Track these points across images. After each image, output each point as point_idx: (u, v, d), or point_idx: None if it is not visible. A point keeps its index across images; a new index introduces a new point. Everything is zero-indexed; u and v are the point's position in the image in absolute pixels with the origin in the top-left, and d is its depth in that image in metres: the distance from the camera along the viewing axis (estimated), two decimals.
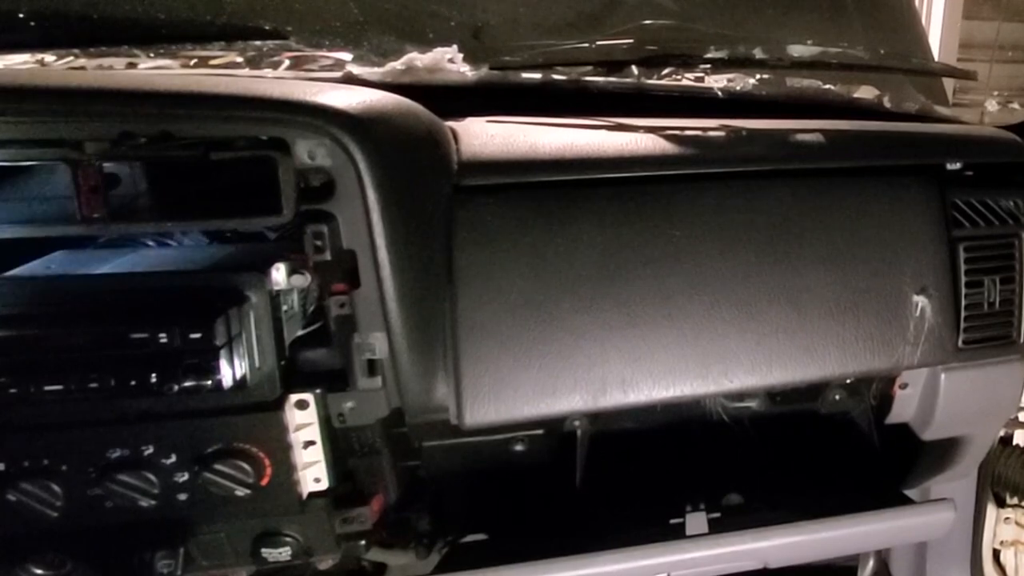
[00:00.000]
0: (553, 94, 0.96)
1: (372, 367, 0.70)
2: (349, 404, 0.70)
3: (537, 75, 0.95)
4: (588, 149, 0.78)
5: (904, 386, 0.94)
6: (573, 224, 0.74)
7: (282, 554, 0.73)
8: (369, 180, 0.65)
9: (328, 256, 0.65)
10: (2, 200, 0.63)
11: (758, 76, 1.03)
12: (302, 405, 0.69)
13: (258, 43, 0.93)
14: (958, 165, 0.90)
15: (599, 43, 0.96)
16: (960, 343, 0.87)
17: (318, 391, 0.69)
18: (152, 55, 0.85)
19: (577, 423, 0.90)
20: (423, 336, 0.70)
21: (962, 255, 0.87)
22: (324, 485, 0.71)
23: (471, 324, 0.72)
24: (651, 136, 0.82)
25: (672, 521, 0.89)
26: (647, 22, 1.13)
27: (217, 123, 0.63)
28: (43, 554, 0.69)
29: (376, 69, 0.91)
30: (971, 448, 1.03)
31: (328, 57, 0.93)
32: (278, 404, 0.68)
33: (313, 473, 0.71)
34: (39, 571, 0.68)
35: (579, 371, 0.74)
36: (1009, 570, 1.41)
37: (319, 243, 0.65)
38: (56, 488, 0.65)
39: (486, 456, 0.88)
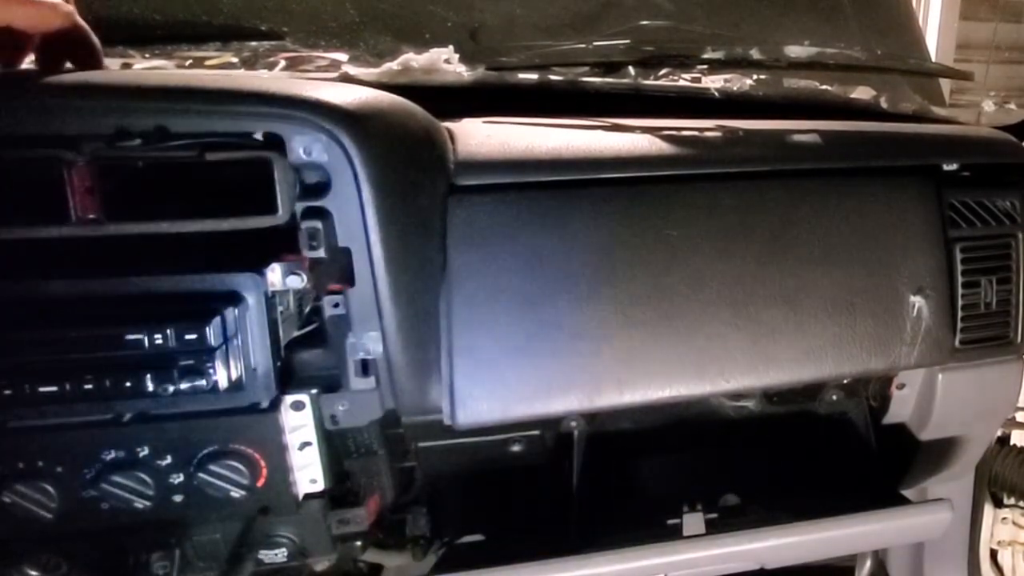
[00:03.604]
0: (550, 95, 0.96)
1: (366, 367, 0.70)
2: (342, 405, 0.70)
3: (534, 76, 0.95)
4: (585, 149, 0.78)
5: (901, 386, 0.94)
6: (569, 224, 0.74)
7: (278, 555, 0.73)
8: (364, 176, 0.65)
9: (323, 253, 0.65)
10: None
11: (755, 77, 1.03)
12: (298, 406, 0.69)
13: (254, 44, 0.93)
14: (955, 166, 0.90)
15: (596, 44, 0.96)
16: (957, 343, 0.87)
17: (314, 392, 0.69)
18: (147, 55, 0.85)
19: (574, 424, 0.90)
20: (417, 335, 0.70)
21: (959, 255, 0.87)
22: (320, 486, 0.71)
23: (465, 323, 0.72)
24: (648, 136, 0.82)
25: (669, 522, 0.89)
26: (644, 23, 1.13)
27: (213, 118, 0.63)
28: (38, 556, 0.68)
29: (372, 69, 0.91)
30: (968, 448, 1.03)
31: (324, 58, 0.93)
32: (274, 406, 0.67)
33: (309, 474, 0.70)
34: (34, 573, 0.68)
35: (574, 371, 0.74)
36: (1006, 570, 1.42)
37: (314, 241, 0.65)
38: (51, 490, 0.64)
39: (483, 457, 0.88)
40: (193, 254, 0.66)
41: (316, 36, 1.00)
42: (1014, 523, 1.38)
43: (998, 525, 1.38)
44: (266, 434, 0.67)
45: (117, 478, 0.65)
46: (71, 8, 0.67)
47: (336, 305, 0.69)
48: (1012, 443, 1.40)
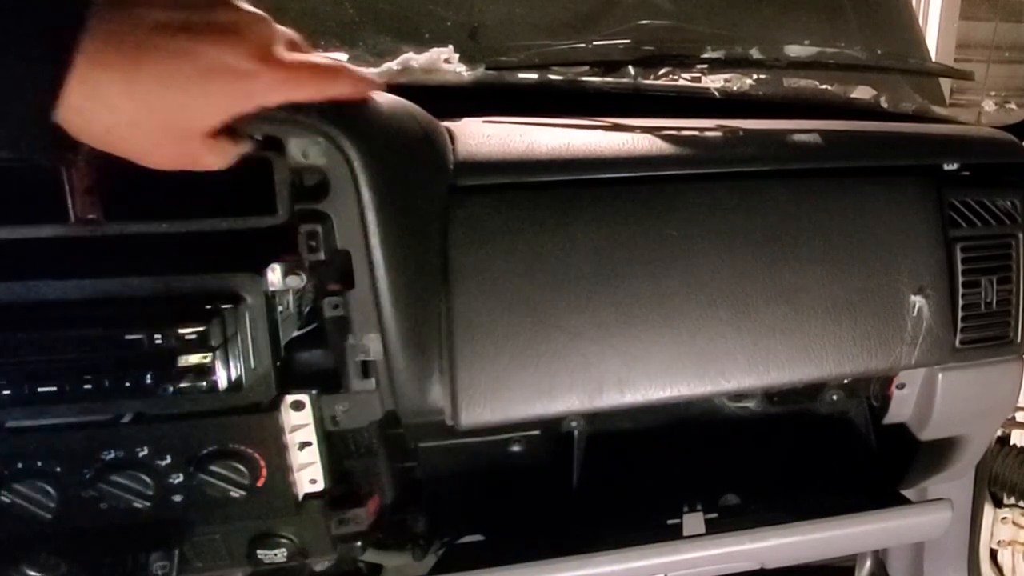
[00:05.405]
0: (550, 94, 0.96)
1: (366, 368, 0.70)
2: (342, 406, 0.70)
3: (533, 75, 0.95)
4: (585, 149, 0.78)
5: (901, 386, 0.94)
6: (570, 224, 0.74)
7: (278, 556, 0.73)
8: (364, 179, 0.65)
9: (322, 256, 0.65)
10: None
11: (755, 76, 1.03)
12: (298, 406, 0.69)
13: None
14: (955, 165, 0.90)
15: (596, 43, 0.96)
16: (957, 343, 0.87)
17: (314, 392, 0.69)
18: None
19: (574, 424, 0.90)
20: (418, 337, 0.70)
21: (959, 255, 0.87)
22: (320, 486, 0.71)
23: (466, 324, 0.72)
24: (648, 136, 0.82)
25: (669, 522, 0.89)
26: (644, 22, 1.14)
27: None
28: (37, 556, 0.68)
29: (372, 69, 0.91)
30: (968, 448, 1.03)
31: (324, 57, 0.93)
32: (274, 405, 0.67)
33: (309, 474, 0.70)
34: (33, 573, 0.68)
35: (575, 371, 0.74)
36: (1006, 570, 1.42)
37: (313, 243, 0.65)
38: (50, 490, 0.64)
39: (483, 457, 0.88)
40: (193, 254, 0.66)
41: (316, 36, 1.00)
42: (1014, 523, 1.38)
43: (998, 525, 1.38)
44: (266, 434, 0.67)
45: (116, 478, 0.65)
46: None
47: (336, 306, 0.69)
48: (1012, 443, 1.40)
